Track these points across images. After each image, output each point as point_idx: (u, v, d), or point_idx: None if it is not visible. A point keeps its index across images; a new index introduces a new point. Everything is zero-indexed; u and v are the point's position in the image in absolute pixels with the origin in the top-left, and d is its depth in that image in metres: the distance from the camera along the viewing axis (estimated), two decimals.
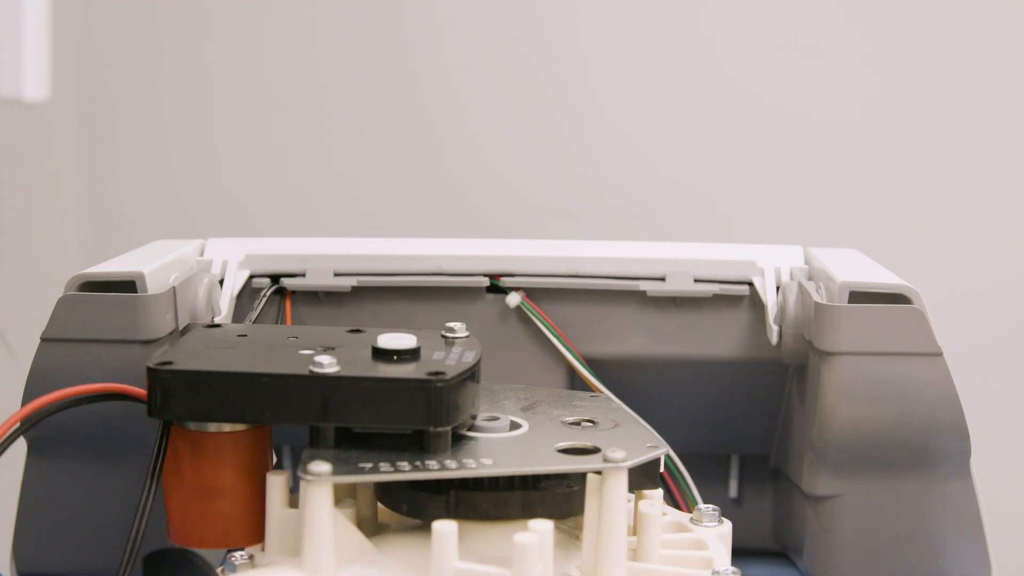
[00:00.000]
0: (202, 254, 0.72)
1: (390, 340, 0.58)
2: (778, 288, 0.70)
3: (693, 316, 0.71)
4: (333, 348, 0.59)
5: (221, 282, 0.71)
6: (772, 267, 0.70)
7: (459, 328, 0.62)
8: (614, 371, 0.71)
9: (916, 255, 1.35)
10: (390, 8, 1.21)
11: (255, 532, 0.57)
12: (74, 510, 0.67)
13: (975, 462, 0.65)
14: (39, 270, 1.11)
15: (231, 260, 0.72)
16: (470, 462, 0.55)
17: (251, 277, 0.72)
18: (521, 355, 0.72)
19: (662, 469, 0.58)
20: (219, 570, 0.55)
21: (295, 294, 0.72)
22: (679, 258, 0.71)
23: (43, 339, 0.64)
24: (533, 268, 0.71)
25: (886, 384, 0.64)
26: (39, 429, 0.58)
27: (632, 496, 0.59)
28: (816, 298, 0.66)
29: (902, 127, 1.44)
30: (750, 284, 0.71)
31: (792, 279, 0.70)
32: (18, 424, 0.56)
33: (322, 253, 0.72)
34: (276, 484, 0.56)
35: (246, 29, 1.21)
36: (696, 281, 0.71)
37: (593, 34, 1.44)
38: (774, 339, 0.69)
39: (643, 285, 0.71)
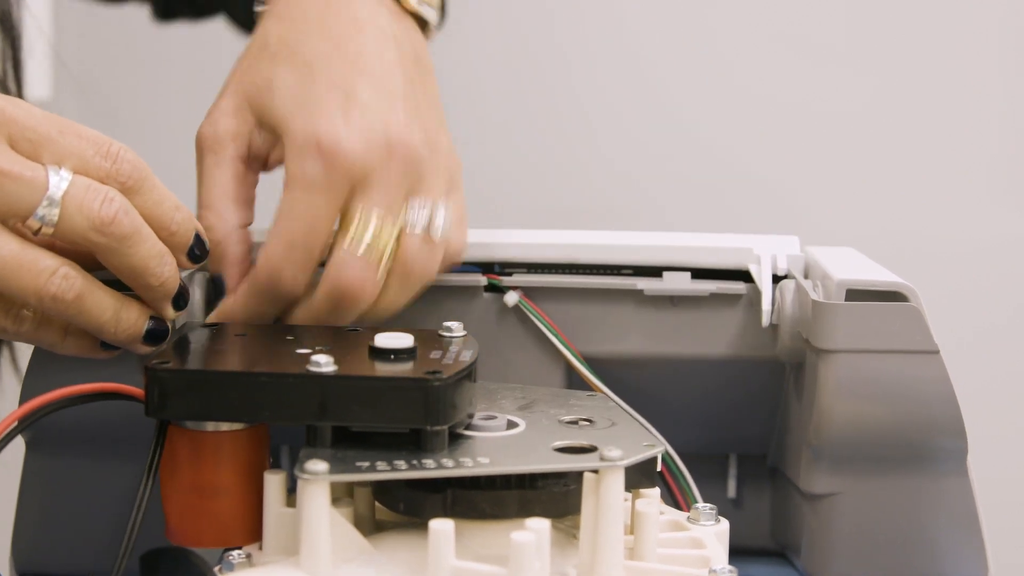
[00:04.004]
0: None
1: (387, 339, 0.58)
2: (774, 277, 0.70)
3: (690, 315, 0.71)
4: (330, 347, 0.59)
5: None
6: (768, 255, 0.70)
7: (456, 327, 0.62)
8: (612, 370, 0.71)
9: (913, 253, 1.36)
10: None
11: (253, 531, 0.57)
12: (73, 510, 0.67)
13: (972, 460, 0.65)
14: None
15: None
16: (467, 461, 0.55)
17: None
18: (519, 354, 0.71)
19: (660, 467, 0.59)
20: (216, 569, 0.55)
21: None
22: (675, 245, 0.71)
23: None
24: (527, 256, 0.71)
25: (883, 382, 0.64)
26: (37, 428, 0.58)
27: (629, 495, 0.59)
28: (813, 296, 0.66)
29: (900, 126, 1.44)
30: (746, 274, 0.70)
31: (789, 274, 0.70)
32: (16, 423, 0.56)
33: None
34: (274, 483, 0.56)
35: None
36: (694, 279, 0.71)
37: (596, 31, 1.44)
38: (766, 320, 0.69)
39: (640, 284, 0.71)
